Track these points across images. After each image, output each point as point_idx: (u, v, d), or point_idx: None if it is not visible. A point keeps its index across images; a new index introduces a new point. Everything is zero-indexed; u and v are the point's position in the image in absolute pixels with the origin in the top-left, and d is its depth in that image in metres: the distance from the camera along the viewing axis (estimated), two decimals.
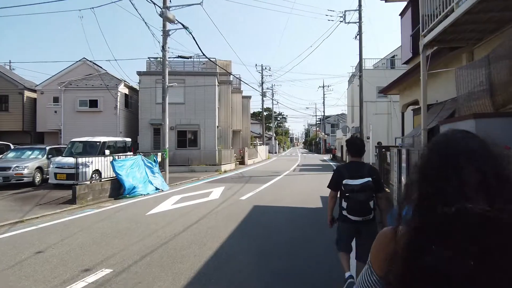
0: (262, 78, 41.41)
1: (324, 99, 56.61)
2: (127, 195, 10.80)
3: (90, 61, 24.25)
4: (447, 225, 0.66)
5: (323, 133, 57.20)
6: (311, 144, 76.25)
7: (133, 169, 11.62)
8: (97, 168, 11.78)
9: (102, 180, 11.51)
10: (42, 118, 23.38)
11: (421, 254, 0.67)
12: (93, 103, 21.11)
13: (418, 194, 0.74)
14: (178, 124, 21.64)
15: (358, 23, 19.89)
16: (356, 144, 3.54)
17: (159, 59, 23.58)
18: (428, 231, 0.68)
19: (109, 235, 6.09)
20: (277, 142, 69.58)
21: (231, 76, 27.66)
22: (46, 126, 22.65)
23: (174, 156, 21.19)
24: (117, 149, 13.91)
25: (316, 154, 54.63)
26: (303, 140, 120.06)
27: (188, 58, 15.36)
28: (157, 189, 12.04)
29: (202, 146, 21.66)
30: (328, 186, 3.56)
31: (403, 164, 6.94)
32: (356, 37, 20.07)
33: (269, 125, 62.69)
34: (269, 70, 41.94)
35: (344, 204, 3.34)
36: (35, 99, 24.52)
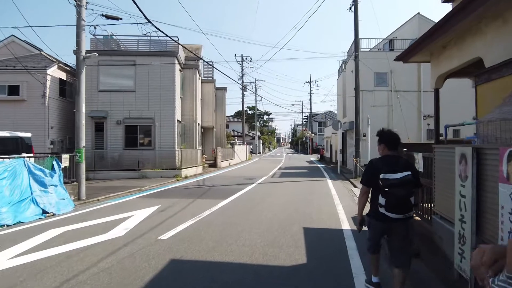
0: (242, 70, 37.04)
1: (311, 95, 52.40)
2: None
3: (22, 40, 19.50)
4: None
5: (310, 132, 53.25)
6: (298, 144, 72.30)
7: (1, 182, 7.10)
8: None
9: None
10: None
11: None
12: (14, 90, 16.29)
13: None
14: (127, 117, 17.05)
15: None
16: (393, 136, 3.25)
17: (109, 36, 19.07)
18: None
19: None
20: (261, 142, 65.32)
21: (203, 63, 23.27)
22: None
23: (121, 158, 16.64)
24: (1, 148, 9.30)
25: (302, 155, 50.63)
26: (290, 140, 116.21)
27: (117, 19, 10.87)
28: (44, 212, 7.54)
29: (157, 145, 17.13)
30: (362, 182, 3.33)
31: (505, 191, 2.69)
32: (350, 8, 15.95)
33: (255, 123, 58.25)
34: (250, 61, 37.46)
35: (382, 201, 3.04)
36: None
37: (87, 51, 17.56)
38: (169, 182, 14.37)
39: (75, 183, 9.65)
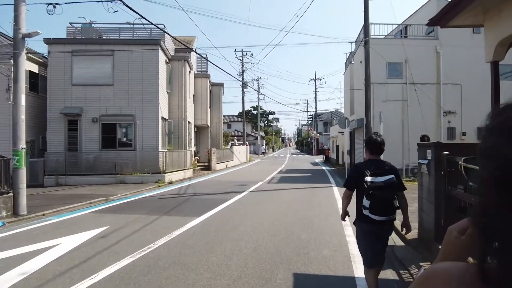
0: (242, 66, 34.92)
1: (316, 93, 50.06)
2: None
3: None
4: None
5: (315, 132, 50.93)
6: (303, 144, 70.00)
7: None
8: None
9: None
10: None
11: None
12: None
13: None
14: (104, 114, 15.00)
15: None
16: (376, 142, 3.31)
17: (88, 25, 17.12)
18: None
19: None
20: (266, 142, 63.13)
21: (196, 56, 21.24)
22: None
23: (97, 160, 14.62)
24: None
25: (307, 155, 48.35)
26: (296, 140, 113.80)
27: None
28: None
29: (139, 146, 15.06)
30: (345, 185, 3.39)
31: None
32: None
33: (261, 124, 56.02)
34: (251, 56, 35.35)
35: (367, 203, 3.06)
36: None
37: (55, 40, 15.63)
38: (147, 189, 12.31)
39: (9, 194, 7.58)
